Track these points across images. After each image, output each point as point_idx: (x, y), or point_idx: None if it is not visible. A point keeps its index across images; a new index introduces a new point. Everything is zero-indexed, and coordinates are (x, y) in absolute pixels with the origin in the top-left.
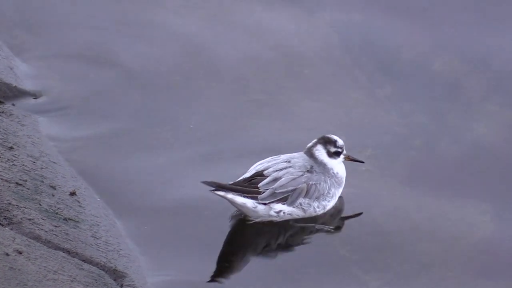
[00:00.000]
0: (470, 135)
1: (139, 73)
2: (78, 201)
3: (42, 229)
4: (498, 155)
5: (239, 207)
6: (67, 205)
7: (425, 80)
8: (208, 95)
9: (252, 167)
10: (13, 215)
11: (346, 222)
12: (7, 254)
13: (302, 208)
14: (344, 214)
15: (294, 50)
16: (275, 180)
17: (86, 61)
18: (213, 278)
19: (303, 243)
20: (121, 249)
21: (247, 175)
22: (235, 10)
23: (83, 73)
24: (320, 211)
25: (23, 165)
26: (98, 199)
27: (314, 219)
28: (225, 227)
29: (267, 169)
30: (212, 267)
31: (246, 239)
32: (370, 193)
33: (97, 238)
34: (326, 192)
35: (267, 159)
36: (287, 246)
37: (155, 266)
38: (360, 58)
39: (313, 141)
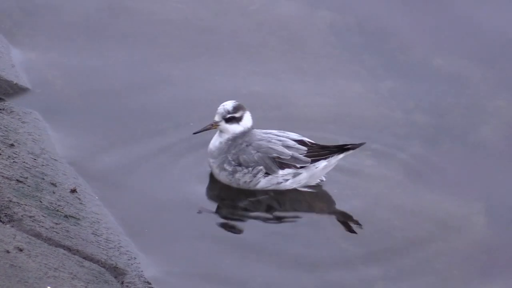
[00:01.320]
0: (473, 133)
1: (142, 70)
2: (79, 199)
3: (42, 227)
4: (501, 153)
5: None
6: (67, 203)
7: (429, 76)
8: (209, 91)
9: (281, 142)
10: (14, 212)
11: (348, 219)
12: (8, 252)
13: None
14: (342, 211)
15: (295, 40)
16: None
17: (88, 59)
18: (215, 273)
19: (304, 237)
20: (121, 247)
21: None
22: None
23: (85, 71)
24: None
25: (24, 162)
26: (97, 197)
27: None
28: (227, 222)
29: (291, 137)
30: (214, 265)
31: (247, 233)
32: (372, 191)
33: (98, 236)
34: None
35: (271, 135)
36: (288, 239)
37: (156, 263)
38: (363, 53)
39: (246, 112)
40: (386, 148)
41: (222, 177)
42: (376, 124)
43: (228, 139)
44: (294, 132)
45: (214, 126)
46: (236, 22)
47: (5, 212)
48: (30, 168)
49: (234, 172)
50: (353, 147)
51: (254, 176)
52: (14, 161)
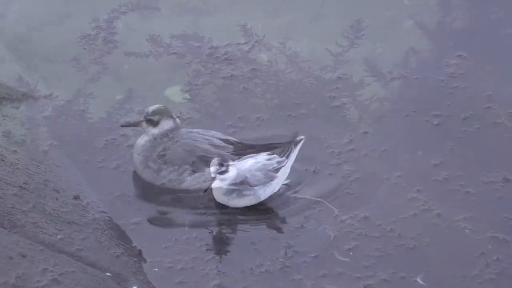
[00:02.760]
0: (475, 140)
1: (142, 75)
2: (82, 205)
3: (45, 233)
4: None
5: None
6: (70, 209)
7: (431, 82)
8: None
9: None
10: (17, 219)
11: (346, 222)
12: (11, 258)
13: None
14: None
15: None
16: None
17: (90, 64)
18: (217, 278)
19: (299, 237)
20: (124, 253)
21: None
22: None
23: (87, 76)
24: None
25: (27, 168)
26: (100, 204)
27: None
28: (230, 230)
29: (217, 136)
30: (217, 269)
31: (251, 243)
32: (371, 194)
33: (101, 242)
34: None
35: (197, 134)
36: (283, 241)
37: (159, 269)
38: (366, 57)
39: (166, 118)
40: (386, 151)
41: (146, 174)
42: (377, 126)
43: (154, 138)
44: (217, 131)
45: (138, 123)
46: None
47: (8, 218)
48: (33, 175)
49: (159, 170)
50: (280, 145)
51: (180, 174)
52: (17, 168)
